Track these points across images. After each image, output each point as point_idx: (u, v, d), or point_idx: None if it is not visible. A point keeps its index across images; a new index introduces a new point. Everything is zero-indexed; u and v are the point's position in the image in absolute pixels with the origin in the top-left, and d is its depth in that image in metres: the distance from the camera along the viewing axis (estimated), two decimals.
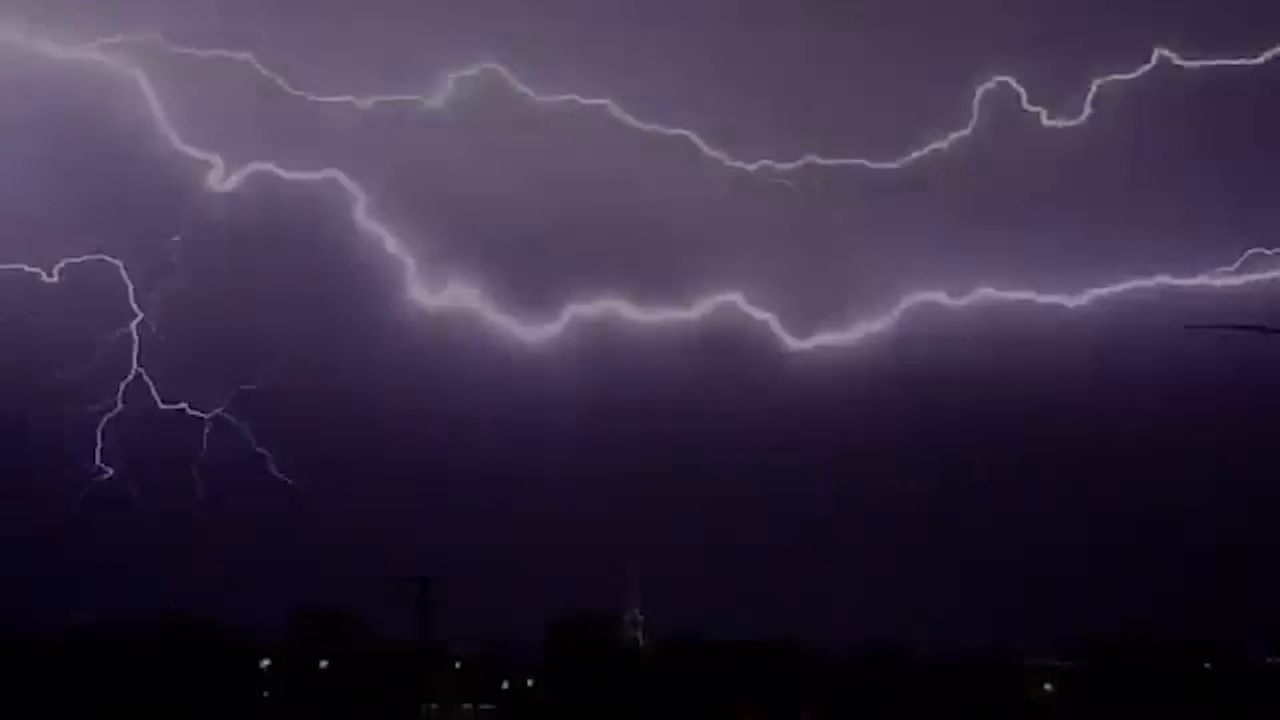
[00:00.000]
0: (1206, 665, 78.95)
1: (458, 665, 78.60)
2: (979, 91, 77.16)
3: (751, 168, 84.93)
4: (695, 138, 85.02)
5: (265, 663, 68.73)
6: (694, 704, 75.57)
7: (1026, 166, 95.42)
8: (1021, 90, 76.72)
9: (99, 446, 71.41)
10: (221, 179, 73.82)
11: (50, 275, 66.50)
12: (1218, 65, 73.77)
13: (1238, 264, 70.70)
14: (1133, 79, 75.83)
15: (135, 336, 69.96)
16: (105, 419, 68.41)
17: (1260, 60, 71.06)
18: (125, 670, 59.78)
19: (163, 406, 71.89)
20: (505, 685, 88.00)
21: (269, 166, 74.56)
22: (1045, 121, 77.59)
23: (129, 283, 69.80)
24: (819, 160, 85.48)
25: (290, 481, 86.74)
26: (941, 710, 74.13)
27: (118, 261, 70.14)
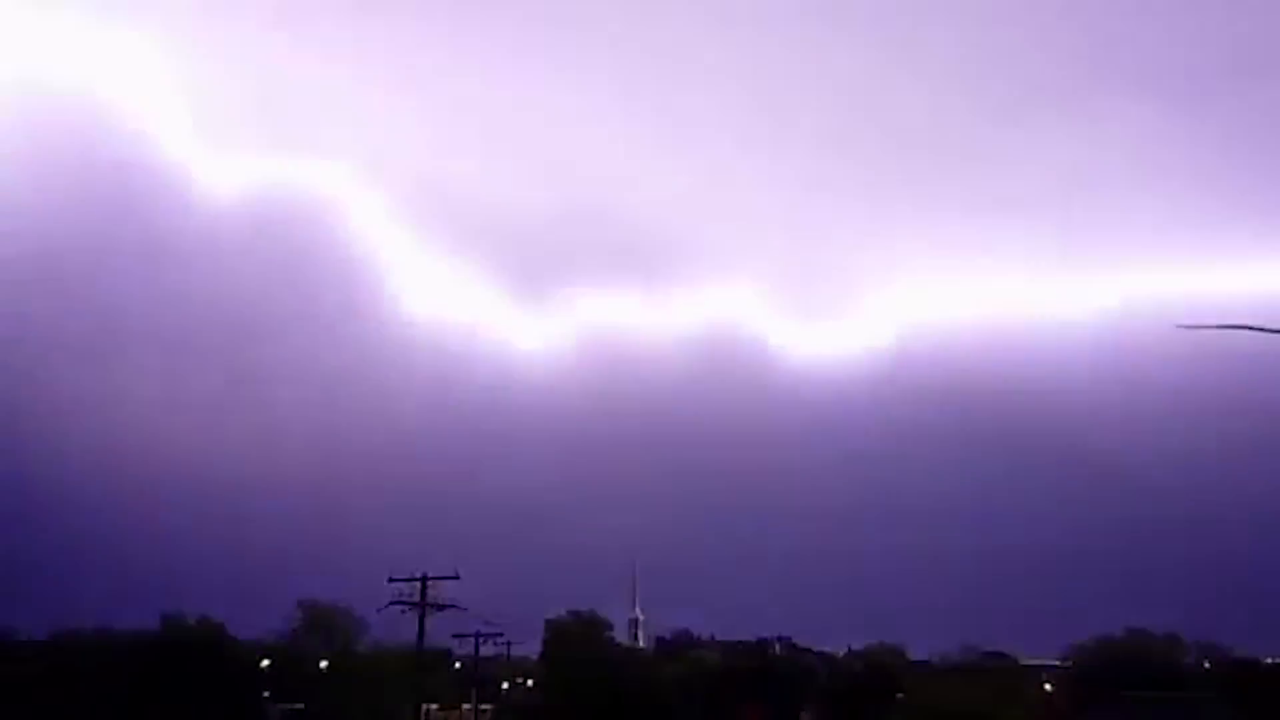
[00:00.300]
0: (1206, 665, 79.00)
1: (458, 665, 78.57)
2: None
3: None
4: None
5: (265, 663, 68.64)
6: (693, 704, 75.56)
7: None
8: None
9: None
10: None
11: None
12: None
13: None
14: None
15: None
16: None
17: None
18: (125, 671, 59.67)
19: None
20: (505, 685, 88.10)
21: None
22: None
23: None
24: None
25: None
26: (941, 711, 74.04)
27: None
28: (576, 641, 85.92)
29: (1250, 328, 17.86)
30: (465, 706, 78.32)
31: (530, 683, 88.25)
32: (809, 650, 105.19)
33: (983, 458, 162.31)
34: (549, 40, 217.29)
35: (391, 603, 50.66)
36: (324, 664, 67.84)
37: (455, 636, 66.57)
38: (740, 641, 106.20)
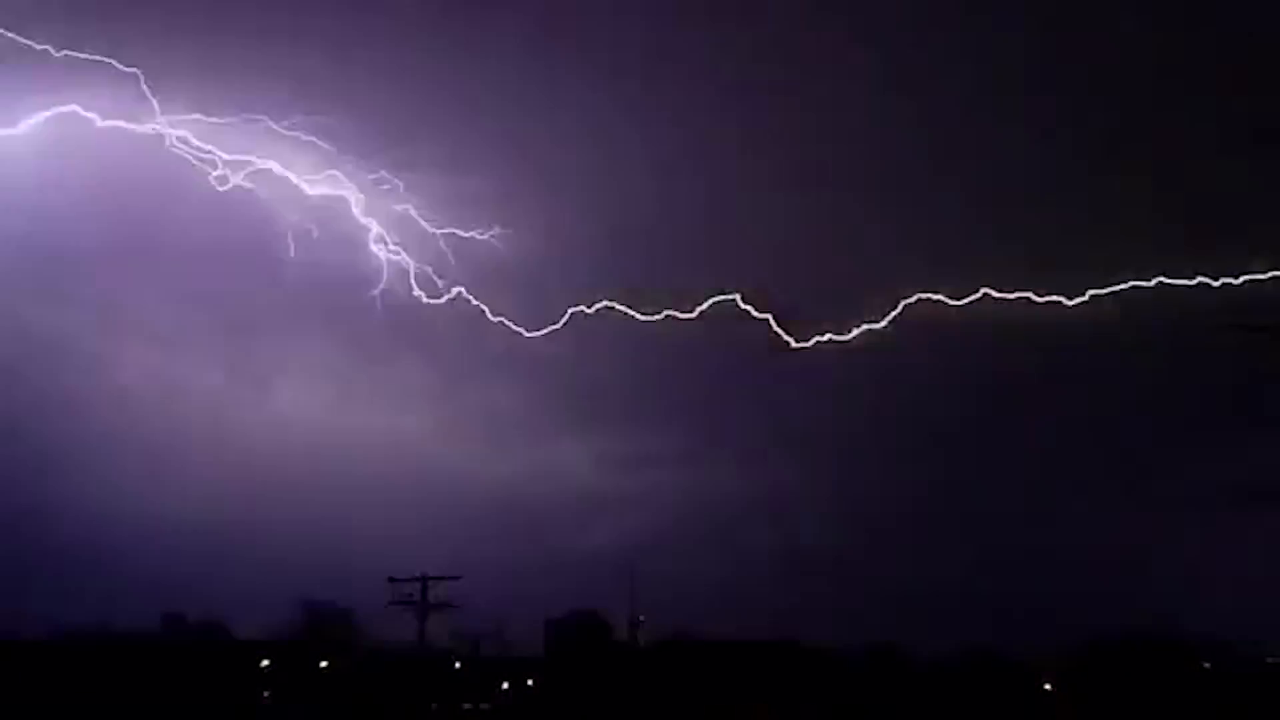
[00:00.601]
0: (1206, 665, 78.84)
1: (457, 665, 78.59)
2: None
3: None
4: None
5: (265, 663, 68.73)
6: (694, 704, 75.58)
7: None
8: None
9: None
10: None
11: None
12: None
13: None
14: None
15: None
16: None
17: None
18: (125, 671, 59.80)
19: None
20: (505, 685, 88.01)
21: None
22: None
23: None
24: None
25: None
26: (942, 709, 74.15)
27: None
28: (576, 641, 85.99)
29: (1242, 327, 17.99)
30: (465, 707, 78.38)
31: (530, 683, 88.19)
32: (809, 650, 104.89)
33: (981, 457, 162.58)
34: (551, 40, 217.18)
35: (391, 603, 50.88)
36: (324, 664, 67.98)
37: (455, 636, 66.80)
38: (741, 641, 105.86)
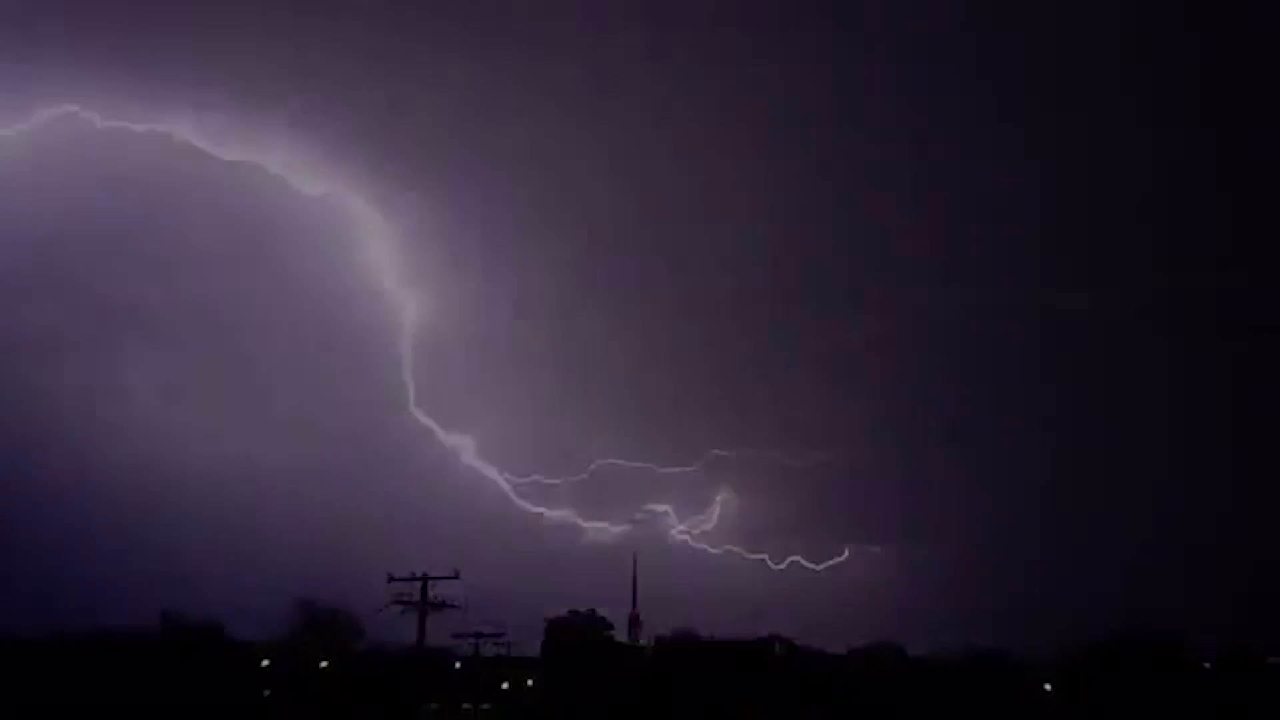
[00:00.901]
0: (1206, 665, 78.89)
1: (457, 665, 78.57)
2: None
3: None
4: None
5: (265, 663, 68.59)
6: (694, 704, 75.51)
7: None
8: None
9: None
10: None
11: None
12: None
13: None
14: None
15: None
16: None
17: None
18: (125, 671, 59.68)
19: None
20: (505, 685, 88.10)
21: None
22: None
23: None
24: None
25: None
26: (941, 710, 74.13)
27: None
28: (577, 641, 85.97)
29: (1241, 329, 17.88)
30: (465, 707, 78.33)
31: (530, 683, 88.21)
32: (809, 650, 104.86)
33: (981, 455, 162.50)
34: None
35: (391, 602, 50.79)
36: (324, 664, 67.86)
37: (455, 636, 66.67)
38: (740, 641, 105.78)
